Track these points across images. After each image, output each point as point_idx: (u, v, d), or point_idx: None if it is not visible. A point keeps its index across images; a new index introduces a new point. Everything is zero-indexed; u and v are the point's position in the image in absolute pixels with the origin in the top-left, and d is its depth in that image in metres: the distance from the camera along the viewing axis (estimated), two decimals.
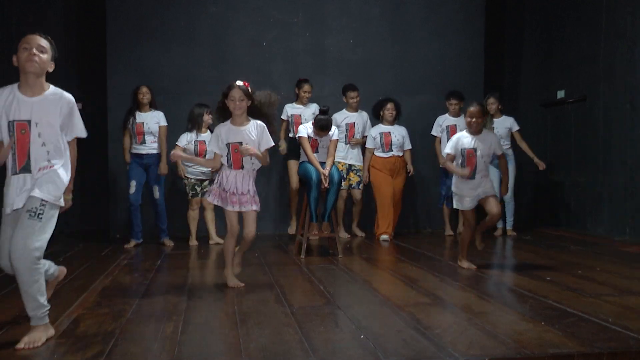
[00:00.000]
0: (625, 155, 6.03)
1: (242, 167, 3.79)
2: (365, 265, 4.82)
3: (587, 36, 6.62)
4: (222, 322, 3.07)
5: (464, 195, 4.43)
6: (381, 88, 6.66)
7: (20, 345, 2.62)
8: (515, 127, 6.40)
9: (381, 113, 6.27)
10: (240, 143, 3.72)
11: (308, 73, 6.64)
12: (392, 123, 6.26)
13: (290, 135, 6.24)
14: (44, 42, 2.79)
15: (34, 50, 2.74)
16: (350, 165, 6.29)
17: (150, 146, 5.69)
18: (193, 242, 5.87)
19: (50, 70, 2.82)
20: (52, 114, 2.76)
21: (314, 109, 6.24)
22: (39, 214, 2.65)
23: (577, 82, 6.80)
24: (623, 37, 6.07)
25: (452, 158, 4.45)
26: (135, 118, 5.66)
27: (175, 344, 2.66)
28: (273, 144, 3.87)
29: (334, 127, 5.29)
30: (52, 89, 2.83)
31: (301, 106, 6.29)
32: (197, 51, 6.59)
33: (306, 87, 6.23)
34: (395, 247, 5.77)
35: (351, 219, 6.50)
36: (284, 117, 6.25)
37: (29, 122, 2.72)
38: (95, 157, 6.74)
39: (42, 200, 2.66)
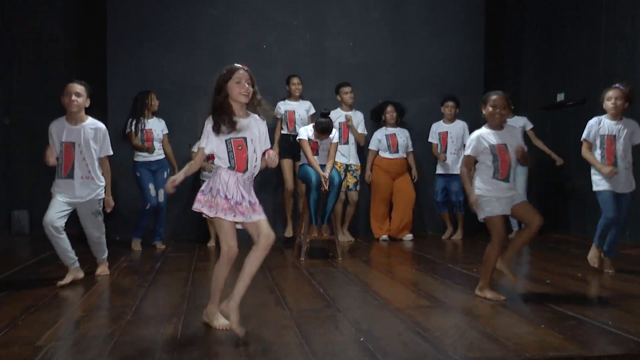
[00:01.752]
0: None
1: (246, 170, 2.99)
2: (365, 267, 4.81)
3: (587, 36, 6.62)
4: None
5: (496, 198, 3.58)
6: (381, 90, 6.67)
7: (98, 271, 4.37)
8: (529, 126, 6.47)
9: (383, 117, 6.36)
10: (245, 139, 3.00)
11: (308, 75, 6.65)
12: (394, 126, 6.34)
13: (284, 132, 6.20)
14: (79, 89, 3.98)
15: (73, 97, 3.95)
16: (347, 166, 6.28)
17: (158, 152, 5.72)
18: (212, 243, 5.91)
19: (87, 105, 4.04)
20: (91, 139, 4.05)
21: (307, 106, 6.27)
22: (99, 211, 4.21)
23: (577, 83, 6.79)
24: (623, 38, 6.07)
25: (472, 161, 3.68)
26: (144, 124, 5.63)
27: (175, 346, 2.66)
28: (270, 145, 3.19)
29: (334, 130, 5.30)
30: (89, 119, 4.09)
31: (294, 102, 6.24)
32: (197, 53, 6.59)
33: (295, 80, 6.22)
34: (395, 250, 5.77)
35: (343, 222, 6.42)
36: (277, 115, 6.22)
37: (73, 144, 4.00)
38: None
39: (99, 201, 4.17)
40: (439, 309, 3.41)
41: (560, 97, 7.05)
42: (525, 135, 6.41)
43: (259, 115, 3.10)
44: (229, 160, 2.98)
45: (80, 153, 4.00)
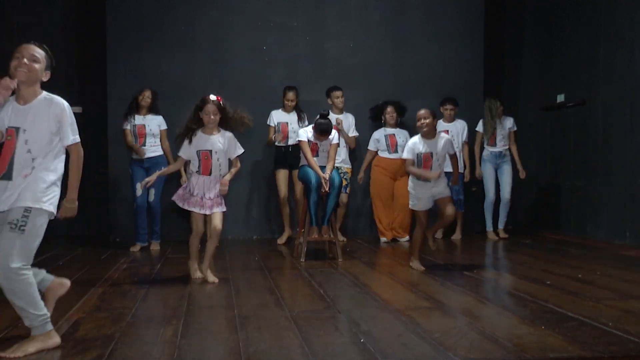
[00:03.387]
0: (625, 159, 6.03)
1: (210, 174, 4.09)
2: (365, 269, 4.81)
3: (587, 37, 6.62)
4: (222, 326, 3.06)
5: (420, 197, 4.57)
6: (381, 91, 6.66)
7: (3, 354, 2.54)
8: (513, 128, 6.52)
9: (382, 118, 6.35)
10: (210, 151, 4.07)
11: (308, 77, 6.64)
12: (394, 126, 6.32)
13: (277, 143, 6.18)
14: (37, 52, 2.75)
15: (25, 60, 2.68)
16: (337, 168, 6.23)
17: (151, 149, 5.69)
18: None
19: (45, 79, 2.77)
20: (42, 121, 2.68)
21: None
22: (21, 225, 2.53)
23: (577, 84, 6.79)
24: (622, 38, 6.06)
25: (412, 162, 4.59)
26: (134, 119, 5.66)
27: (174, 348, 2.66)
28: (242, 151, 4.18)
29: (334, 131, 5.29)
30: (44, 94, 2.75)
31: (287, 114, 6.24)
32: (197, 55, 6.58)
33: (290, 95, 6.18)
34: (395, 251, 5.77)
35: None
36: (270, 123, 6.21)
37: (17, 129, 2.67)
38: (95, 161, 6.72)
39: (26, 208, 2.56)
40: (439, 310, 3.41)
41: (560, 98, 7.05)
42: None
43: (229, 131, 4.14)
44: (198, 166, 4.11)
45: (25, 143, 2.65)
